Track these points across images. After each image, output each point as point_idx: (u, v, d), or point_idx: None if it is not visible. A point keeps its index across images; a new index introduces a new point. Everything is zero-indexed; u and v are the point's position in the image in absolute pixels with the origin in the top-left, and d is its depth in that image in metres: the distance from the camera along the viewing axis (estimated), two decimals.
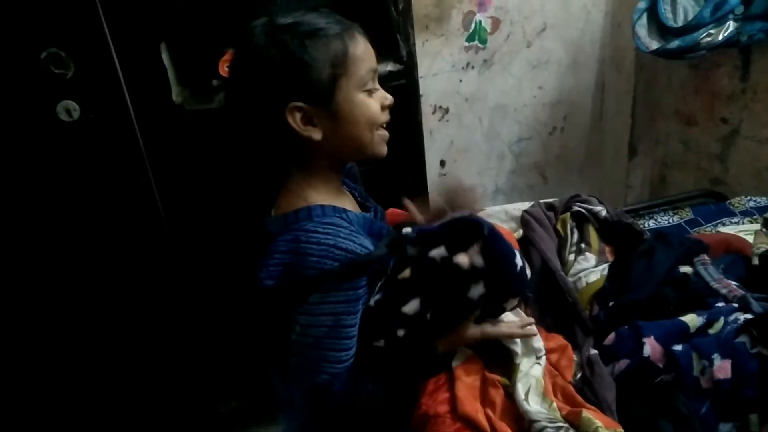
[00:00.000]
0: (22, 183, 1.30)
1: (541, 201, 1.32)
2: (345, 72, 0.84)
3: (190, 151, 1.37)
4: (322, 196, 0.88)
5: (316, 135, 0.85)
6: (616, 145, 2.22)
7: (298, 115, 0.84)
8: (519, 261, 0.88)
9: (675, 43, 1.58)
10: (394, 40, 1.38)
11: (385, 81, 1.45)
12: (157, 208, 1.41)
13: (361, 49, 0.86)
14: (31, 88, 1.22)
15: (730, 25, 1.53)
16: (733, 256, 1.29)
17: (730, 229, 1.51)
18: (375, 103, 0.88)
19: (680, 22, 1.60)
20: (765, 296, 1.06)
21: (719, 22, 1.54)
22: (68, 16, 1.18)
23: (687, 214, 1.63)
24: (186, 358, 1.58)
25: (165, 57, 1.29)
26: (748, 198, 1.63)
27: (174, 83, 1.33)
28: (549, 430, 0.96)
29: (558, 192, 2.29)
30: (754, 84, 1.72)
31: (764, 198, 1.62)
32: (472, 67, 1.99)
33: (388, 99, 0.90)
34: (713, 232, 1.52)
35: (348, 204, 0.93)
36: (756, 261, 1.20)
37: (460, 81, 1.99)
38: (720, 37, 1.54)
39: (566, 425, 0.97)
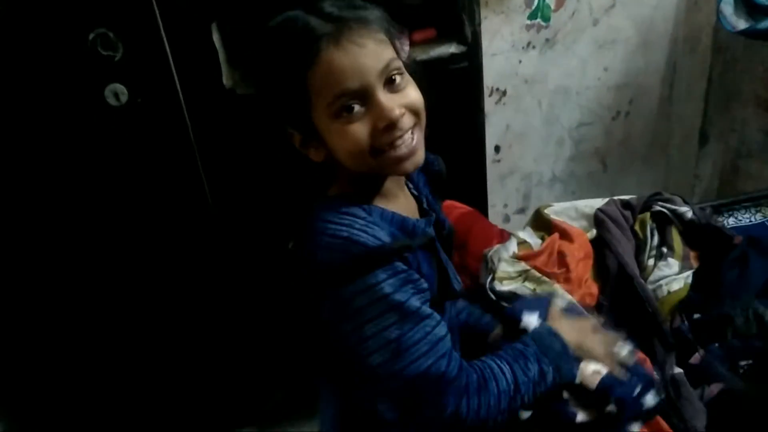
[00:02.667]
0: (69, 168, 1.26)
1: (616, 198, 1.21)
2: (313, 95, 0.70)
3: (240, 138, 1.30)
4: (359, 192, 0.78)
5: (316, 157, 0.76)
6: (685, 132, 2.07)
7: (296, 137, 0.76)
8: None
9: (766, 23, 1.44)
10: (458, 19, 1.28)
11: (447, 63, 1.36)
12: (205, 195, 1.36)
13: (338, 63, 0.68)
14: (79, 70, 1.16)
15: None
16: None
17: None
18: (359, 128, 0.70)
19: None
20: None
21: None
22: None
23: (761, 216, 1.49)
24: (235, 345, 1.55)
25: (216, 38, 1.21)
26: None
27: (224, 66, 1.26)
28: None
29: (619, 181, 2.19)
30: None
31: None
32: (534, 47, 1.86)
33: (383, 120, 0.70)
34: None
35: (397, 206, 0.81)
36: None
37: (520, 62, 1.87)
38: None
39: None
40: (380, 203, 0.78)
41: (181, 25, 1.17)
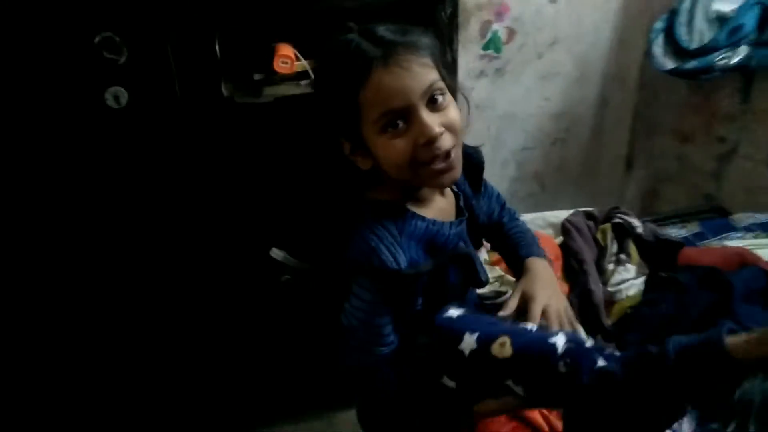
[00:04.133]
0: (65, 167, 1.24)
1: (581, 210, 1.37)
2: (363, 112, 0.79)
3: (237, 145, 1.34)
4: (399, 196, 0.88)
5: (363, 165, 0.85)
6: (613, 158, 2.31)
7: (346, 146, 0.85)
8: None
9: (691, 64, 1.67)
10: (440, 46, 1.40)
11: None
12: (202, 199, 1.37)
13: (386, 84, 0.76)
14: (82, 71, 1.17)
15: (744, 50, 1.63)
16: (753, 268, 1.38)
17: (735, 243, 1.61)
18: (402, 143, 0.79)
19: (696, 45, 1.69)
20: None
21: (734, 46, 1.63)
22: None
23: (695, 227, 1.72)
24: (238, 346, 1.56)
25: (218, 48, 1.26)
26: (748, 214, 1.74)
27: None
28: None
29: (555, 201, 2.38)
30: (755, 106, 1.84)
31: (763, 215, 1.74)
32: (486, 75, 2.03)
33: (424, 136, 0.78)
34: (720, 245, 1.61)
35: (433, 211, 0.91)
36: None
37: (473, 88, 2.03)
38: (733, 61, 1.64)
39: None
40: (417, 208, 0.88)
41: (185, 32, 1.20)
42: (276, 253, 1.52)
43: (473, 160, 0.95)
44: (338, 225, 0.89)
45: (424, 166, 0.81)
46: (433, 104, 0.80)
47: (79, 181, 1.26)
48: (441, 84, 0.81)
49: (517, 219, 1.12)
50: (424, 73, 0.79)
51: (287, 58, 1.27)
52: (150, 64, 1.20)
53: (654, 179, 2.23)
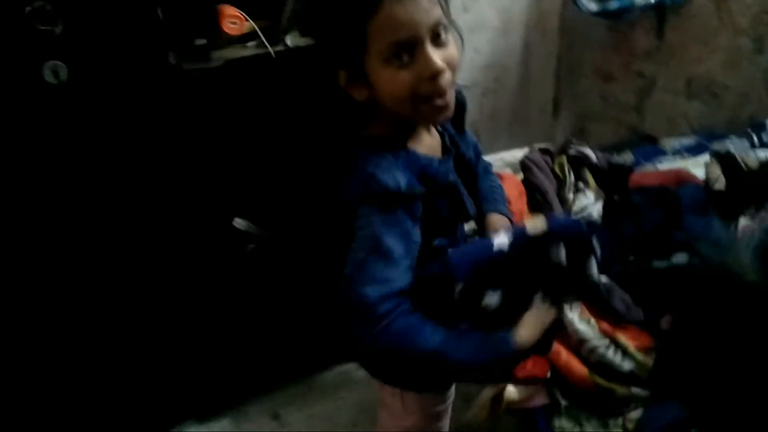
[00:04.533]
0: (5, 150, 1.14)
1: (537, 146, 1.43)
2: (369, 42, 0.78)
3: (191, 114, 1.28)
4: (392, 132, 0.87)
5: (359, 96, 0.84)
6: (541, 103, 2.40)
7: (343, 76, 0.83)
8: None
9: (614, 4, 1.77)
10: None
11: None
12: (157, 176, 1.30)
13: (396, 14, 0.76)
14: (15, 46, 1.07)
15: None
16: (691, 185, 1.50)
17: (667, 165, 1.74)
18: (406, 76, 0.78)
19: None
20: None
21: None
22: None
23: (630, 157, 1.83)
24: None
25: (160, 13, 1.19)
26: (674, 138, 1.89)
27: None
28: (601, 350, 1.08)
29: (490, 149, 2.46)
30: (669, 41, 1.97)
31: (686, 139, 1.88)
32: None
33: (429, 70, 0.78)
34: (654, 169, 1.73)
35: (423, 146, 0.91)
36: (720, 186, 1.40)
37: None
38: None
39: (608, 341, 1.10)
40: (409, 144, 0.88)
41: None
42: (239, 222, 1.49)
43: (456, 99, 0.97)
44: (331, 168, 0.88)
45: (424, 102, 0.81)
46: (437, 39, 0.80)
47: (23, 164, 1.16)
48: (445, 20, 0.82)
49: (491, 174, 1.15)
50: (431, 7, 0.79)
51: (236, 18, 1.22)
52: (89, 35, 1.12)
53: (581, 118, 2.34)
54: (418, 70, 0.79)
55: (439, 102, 0.82)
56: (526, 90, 2.38)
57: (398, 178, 0.81)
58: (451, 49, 0.82)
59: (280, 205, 1.45)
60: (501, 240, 0.86)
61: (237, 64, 1.28)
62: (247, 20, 1.26)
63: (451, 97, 0.84)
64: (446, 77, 0.81)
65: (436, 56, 0.79)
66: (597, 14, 1.81)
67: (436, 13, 0.80)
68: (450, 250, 0.91)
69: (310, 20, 0.85)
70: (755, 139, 1.69)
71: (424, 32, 0.78)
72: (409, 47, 0.78)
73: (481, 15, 2.13)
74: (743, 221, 1.29)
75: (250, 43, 1.32)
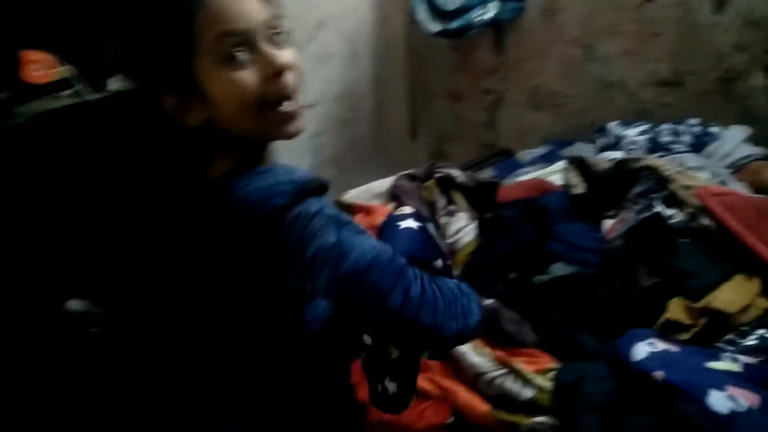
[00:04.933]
0: None
1: (402, 173, 1.37)
2: (199, 35, 0.67)
3: None
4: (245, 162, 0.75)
5: (194, 120, 0.71)
6: (398, 129, 2.40)
7: (171, 101, 0.71)
8: None
9: (455, 23, 1.79)
10: None
11: None
12: None
13: (226, 3, 0.67)
14: None
15: (494, 5, 1.79)
16: (554, 193, 1.52)
17: (527, 176, 1.77)
18: (247, 76, 0.68)
19: (454, 5, 1.81)
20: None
21: (485, 2, 1.78)
22: None
23: (491, 173, 1.85)
24: None
25: None
26: (527, 151, 1.94)
27: None
28: (498, 380, 1.02)
29: (354, 182, 2.40)
30: (509, 56, 2.04)
31: (538, 149, 1.95)
32: None
33: (272, 66, 0.68)
34: (515, 181, 1.76)
35: None
36: (580, 190, 1.43)
37: None
38: (488, 16, 1.79)
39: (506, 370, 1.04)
40: None
41: None
42: (74, 304, 1.26)
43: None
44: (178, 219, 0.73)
45: (272, 108, 0.70)
46: (275, 38, 0.71)
47: None
48: (282, 23, 0.72)
49: None
50: (264, 4, 0.70)
51: (40, 63, 1.04)
52: None
53: (438, 140, 2.36)
54: (260, 67, 0.69)
55: (288, 107, 0.71)
56: (383, 117, 2.36)
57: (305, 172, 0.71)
58: (291, 53, 0.73)
59: (122, 275, 1.25)
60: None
61: (48, 118, 1.09)
62: (57, 65, 1.08)
63: (299, 107, 0.74)
64: (291, 78, 0.71)
65: (278, 53, 0.70)
66: (439, 34, 1.83)
67: (272, 9, 0.71)
68: None
69: (131, 29, 0.70)
70: (599, 142, 1.78)
71: (260, 27, 0.69)
72: (244, 43, 0.68)
73: (327, 44, 2.08)
74: (607, 223, 1.31)
75: (65, 92, 1.14)
